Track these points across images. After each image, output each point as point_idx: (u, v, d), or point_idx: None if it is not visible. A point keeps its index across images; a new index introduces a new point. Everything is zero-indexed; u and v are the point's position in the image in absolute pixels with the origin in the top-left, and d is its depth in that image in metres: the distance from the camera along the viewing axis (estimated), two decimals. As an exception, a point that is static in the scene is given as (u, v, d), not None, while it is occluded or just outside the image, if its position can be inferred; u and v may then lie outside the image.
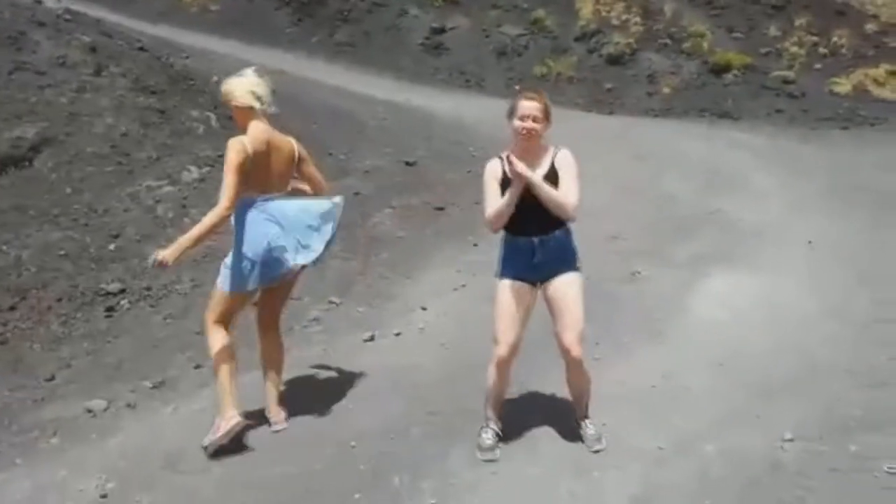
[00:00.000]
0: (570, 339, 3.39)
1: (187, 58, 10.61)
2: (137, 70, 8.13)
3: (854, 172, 8.91)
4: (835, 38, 13.66)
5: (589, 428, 3.59)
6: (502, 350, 3.44)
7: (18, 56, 7.38)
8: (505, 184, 3.36)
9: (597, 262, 5.71)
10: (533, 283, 3.48)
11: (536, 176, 3.29)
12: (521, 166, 3.22)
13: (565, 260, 3.46)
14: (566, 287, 3.42)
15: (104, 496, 3.38)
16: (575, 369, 3.50)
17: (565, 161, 3.39)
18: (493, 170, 3.43)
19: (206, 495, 3.36)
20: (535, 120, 3.32)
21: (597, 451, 3.50)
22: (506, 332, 3.43)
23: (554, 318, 3.46)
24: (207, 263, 5.47)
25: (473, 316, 5.15)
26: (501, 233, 3.50)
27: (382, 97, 11.26)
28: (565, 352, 3.43)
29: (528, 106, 3.33)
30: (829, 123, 11.71)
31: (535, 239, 3.39)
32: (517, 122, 3.34)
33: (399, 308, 5.41)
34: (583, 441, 3.57)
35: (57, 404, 4.23)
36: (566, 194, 3.33)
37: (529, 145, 3.36)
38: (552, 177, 3.35)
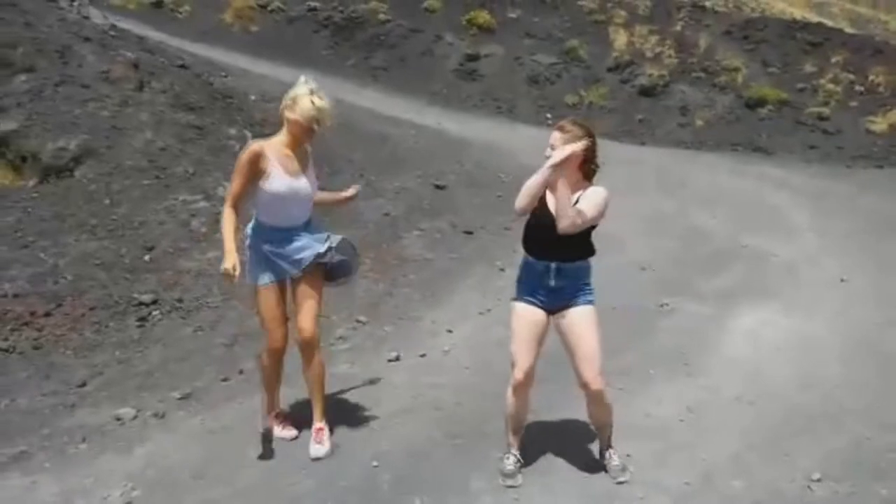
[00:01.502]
0: (590, 372, 3.33)
1: (226, 76, 10.85)
2: (178, 87, 8.33)
3: (888, 211, 8.81)
4: (871, 76, 13.57)
5: (613, 459, 3.55)
6: (519, 374, 3.41)
7: (65, 69, 7.61)
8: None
9: (625, 293, 5.72)
10: (547, 311, 3.42)
11: (559, 170, 3.20)
12: (559, 150, 3.21)
13: (581, 290, 3.39)
14: (581, 318, 3.35)
15: (129, 504, 3.42)
16: (597, 402, 3.45)
17: (592, 193, 3.29)
18: None
19: (228, 508, 3.39)
20: (553, 148, 3.28)
21: (621, 483, 3.47)
22: (523, 355, 3.40)
23: (570, 351, 3.39)
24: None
25: (498, 340, 5.14)
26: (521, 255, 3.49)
27: (415, 121, 11.38)
28: (585, 385, 3.37)
29: (552, 135, 3.31)
30: (864, 161, 11.61)
31: (553, 264, 3.34)
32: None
33: (425, 329, 5.43)
34: (606, 471, 3.54)
35: (87, 411, 4.29)
36: (576, 210, 3.21)
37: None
38: None
